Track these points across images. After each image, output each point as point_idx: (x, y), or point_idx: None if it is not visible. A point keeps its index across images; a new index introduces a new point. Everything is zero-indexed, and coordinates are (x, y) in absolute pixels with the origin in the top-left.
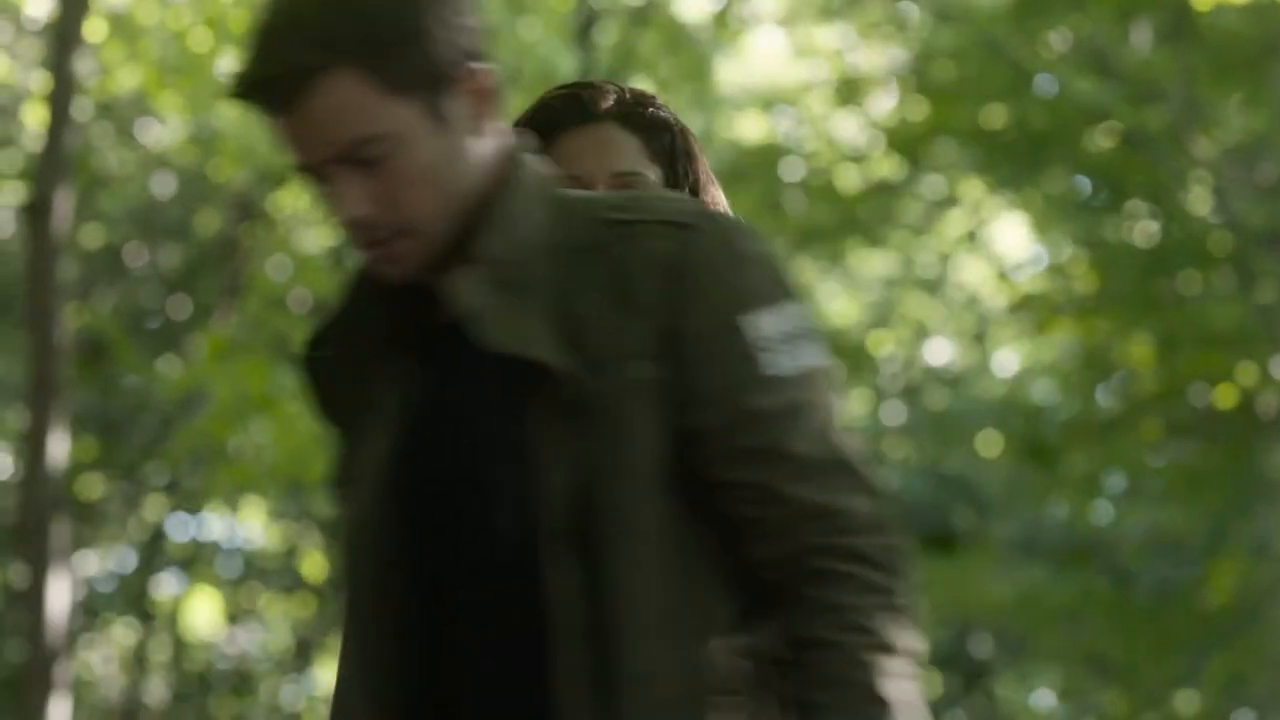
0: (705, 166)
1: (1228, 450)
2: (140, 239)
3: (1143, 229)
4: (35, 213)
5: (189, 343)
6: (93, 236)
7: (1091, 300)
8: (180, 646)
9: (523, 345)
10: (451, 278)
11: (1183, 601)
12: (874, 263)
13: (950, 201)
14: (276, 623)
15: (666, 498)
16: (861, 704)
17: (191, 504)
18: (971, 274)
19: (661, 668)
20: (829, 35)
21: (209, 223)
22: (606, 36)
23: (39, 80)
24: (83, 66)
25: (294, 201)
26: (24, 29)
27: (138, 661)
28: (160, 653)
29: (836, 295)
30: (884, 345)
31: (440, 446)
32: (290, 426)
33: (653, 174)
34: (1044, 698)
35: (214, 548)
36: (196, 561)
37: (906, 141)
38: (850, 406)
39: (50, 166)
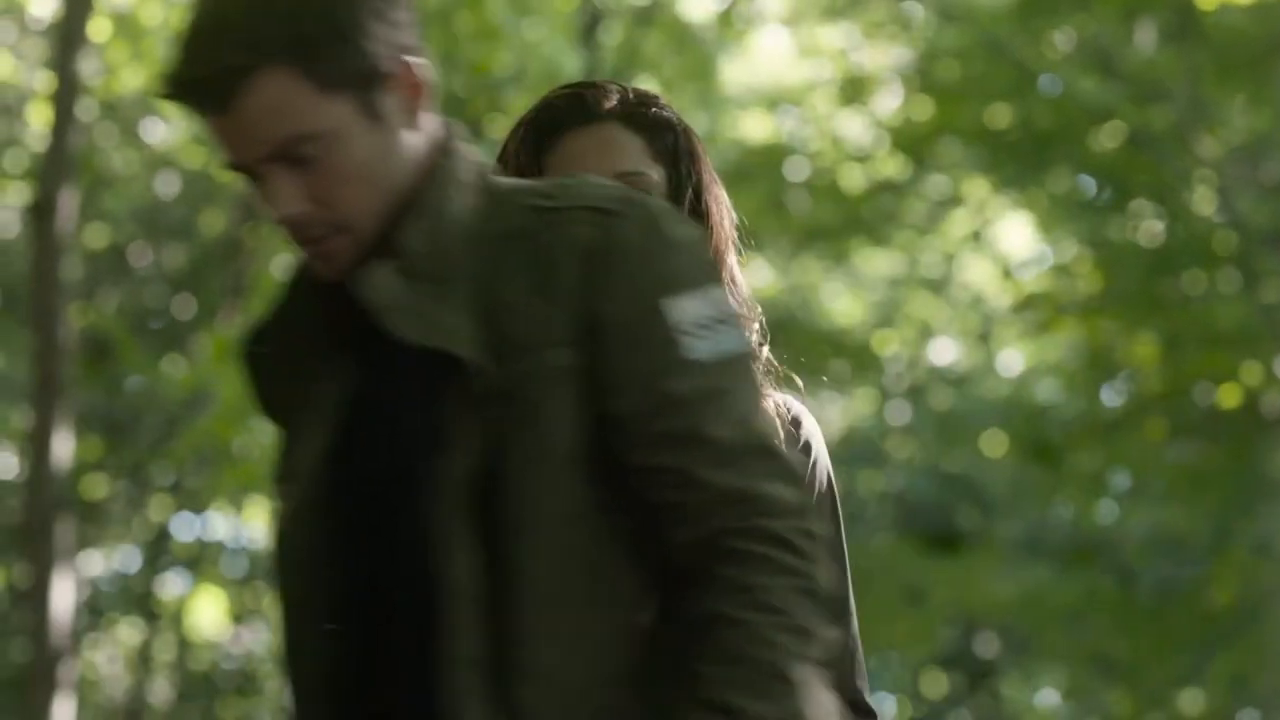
0: (708, 166)
1: (1232, 450)
2: (144, 239)
3: (1147, 229)
4: (40, 212)
5: (193, 342)
6: (97, 236)
7: (1096, 300)
8: (185, 646)
9: (433, 336)
10: (364, 271)
11: (1187, 601)
12: (878, 262)
13: (955, 201)
14: None
15: (583, 484)
16: (764, 682)
17: (196, 504)
18: (976, 274)
19: (563, 656)
20: (833, 35)
21: (213, 222)
22: (611, 36)
23: (43, 80)
24: (87, 66)
25: None
26: (28, 29)
27: (142, 661)
28: (165, 653)
29: (841, 295)
30: (888, 345)
31: (373, 443)
32: None
33: (656, 174)
34: (1048, 697)
35: (219, 547)
36: (201, 561)
37: (911, 141)
38: (856, 406)
39: (54, 166)
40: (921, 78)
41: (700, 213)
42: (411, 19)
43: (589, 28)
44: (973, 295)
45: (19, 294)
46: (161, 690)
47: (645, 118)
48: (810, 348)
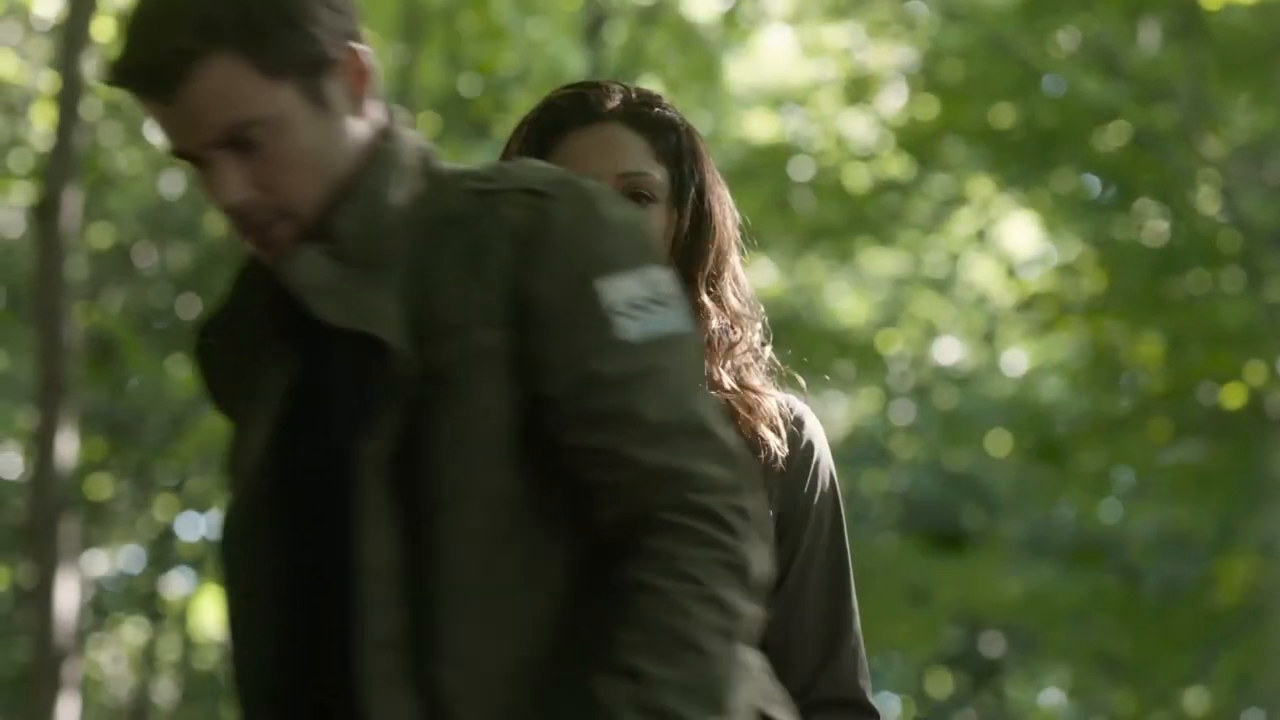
0: (711, 166)
1: (1236, 449)
2: (149, 238)
3: (1151, 228)
4: (44, 212)
5: None
6: (101, 236)
7: (1100, 299)
8: (189, 646)
9: (355, 318)
10: (291, 255)
11: (1191, 600)
12: (883, 262)
13: (959, 200)
14: None
15: (510, 465)
16: (672, 648)
17: (201, 503)
18: (980, 273)
19: (484, 638)
20: (838, 34)
21: (218, 222)
22: (615, 36)
23: (48, 80)
24: (91, 66)
25: None
26: (33, 29)
27: (147, 661)
28: (170, 652)
29: (845, 294)
30: (893, 344)
31: (312, 430)
32: None
33: (658, 173)
34: (1053, 697)
35: None
36: (206, 561)
37: (915, 140)
38: (861, 405)
39: (59, 166)
40: (926, 77)
41: (703, 212)
42: (355, 6)
43: (593, 27)
44: (977, 295)
45: (23, 293)
46: (166, 690)
47: (648, 118)
48: (815, 347)
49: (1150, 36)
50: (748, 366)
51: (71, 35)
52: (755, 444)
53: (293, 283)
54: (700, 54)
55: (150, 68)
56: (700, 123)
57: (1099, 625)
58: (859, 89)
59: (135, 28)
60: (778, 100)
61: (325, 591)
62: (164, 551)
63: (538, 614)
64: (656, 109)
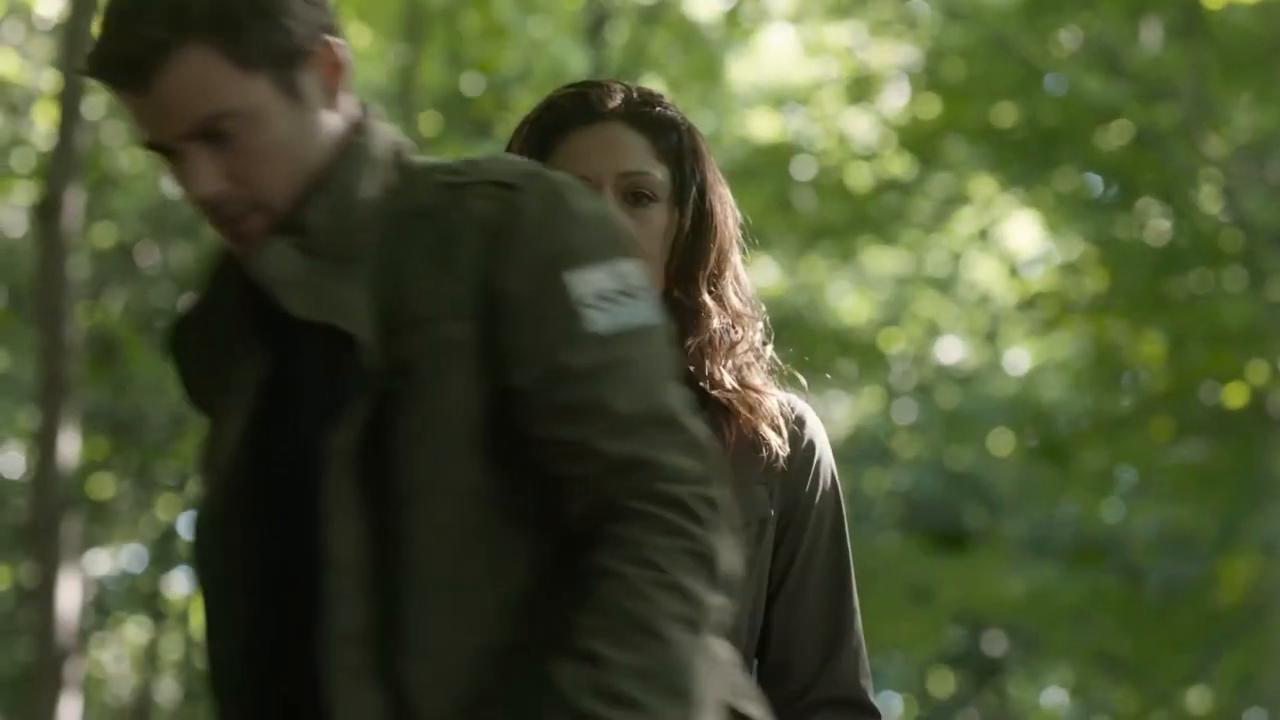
0: (713, 165)
1: (1238, 448)
2: (151, 238)
3: (1153, 227)
4: (46, 212)
5: None
6: (104, 235)
7: (1102, 298)
8: (192, 645)
9: (323, 311)
10: (261, 247)
11: (1193, 599)
12: (885, 261)
13: (961, 199)
14: None
15: (478, 457)
16: (630, 633)
17: None
18: (983, 272)
19: (450, 631)
20: (840, 33)
21: None
22: (617, 35)
23: (49, 80)
24: None
25: None
26: (35, 29)
27: (149, 660)
28: (172, 652)
29: (847, 293)
30: (895, 343)
31: (283, 424)
32: None
33: (660, 173)
34: (1055, 696)
35: None
36: None
37: (917, 139)
38: (863, 404)
39: (61, 165)
40: (928, 76)
41: (704, 212)
42: None
43: (595, 26)
44: (979, 294)
45: (25, 293)
46: (168, 689)
47: (649, 117)
48: (817, 346)
49: (1152, 35)
50: (749, 366)
51: (73, 35)
52: (757, 443)
53: (262, 275)
54: (702, 53)
55: (125, 59)
56: (702, 122)
57: (1101, 624)
58: (861, 88)
59: (110, 19)
60: (780, 99)
61: (294, 585)
62: (166, 551)
63: (506, 607)
64: (658, 108)
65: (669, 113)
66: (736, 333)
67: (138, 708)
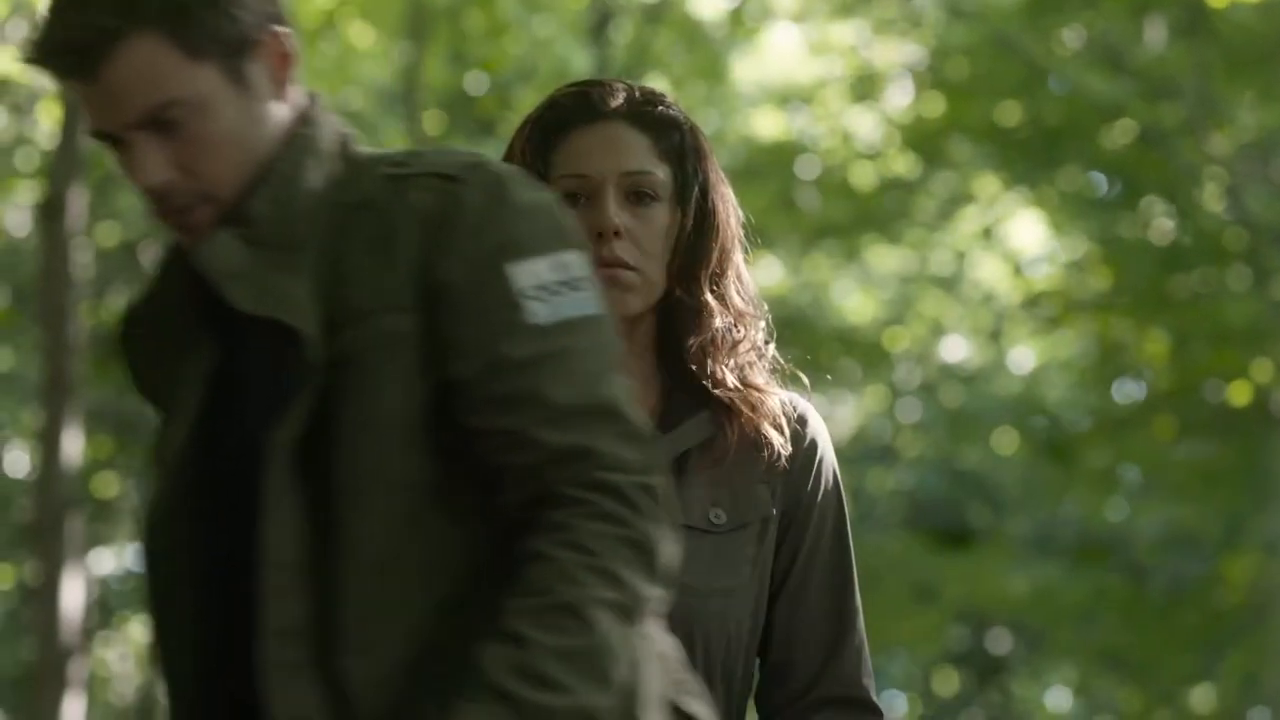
0: (715, 165)
1: (1242, 447)
2: (155, 237)
3: (1157, 226)
4: (50, 211)
5: None
6: (108, 234)
7: (1106, 297)
8: None
9: (267, 304)
10: (204, 240)
11: (1197, 598)
12: (889, 259)
13: (965, 198)
14: None
15: (418, 451)
16: (556, 615)
17: None
18: (986, 271)
19: (389, 626)
20: (844, 32)
21: None
22: (621, 34)
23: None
24: None
25: None
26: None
27: (153, 659)
28: None
29: (851, 292)
30: (899, 342)
31: (230, 418)
32: None
33: (662, 172)
34: (1059, 694)
35: None
36: None
37: (921, 138)
38: (867, 403)
39: (65, 165)
40: (932, 75)
41: (706, 211)
42: None
43: (599, 25)
44: (983, 292)
45: (29, 292)
46: None
47: (651, 116)
48: (821, 345)
49: (1156, 34)
50: (751, 365)
51: None
52: (759, 442)
53: (206, 268)
54: (706, 52)
55: (72, 47)
56: (706, 121)
57: (1105, 623)
58: (865, 87)
59: (58, 6)
60: (784, 98)
61: (240, 580)
62: None
63: (447, 600)
64: (660, 107)
65: (671, 112)
66: (739, 332)
67: (141, 707)
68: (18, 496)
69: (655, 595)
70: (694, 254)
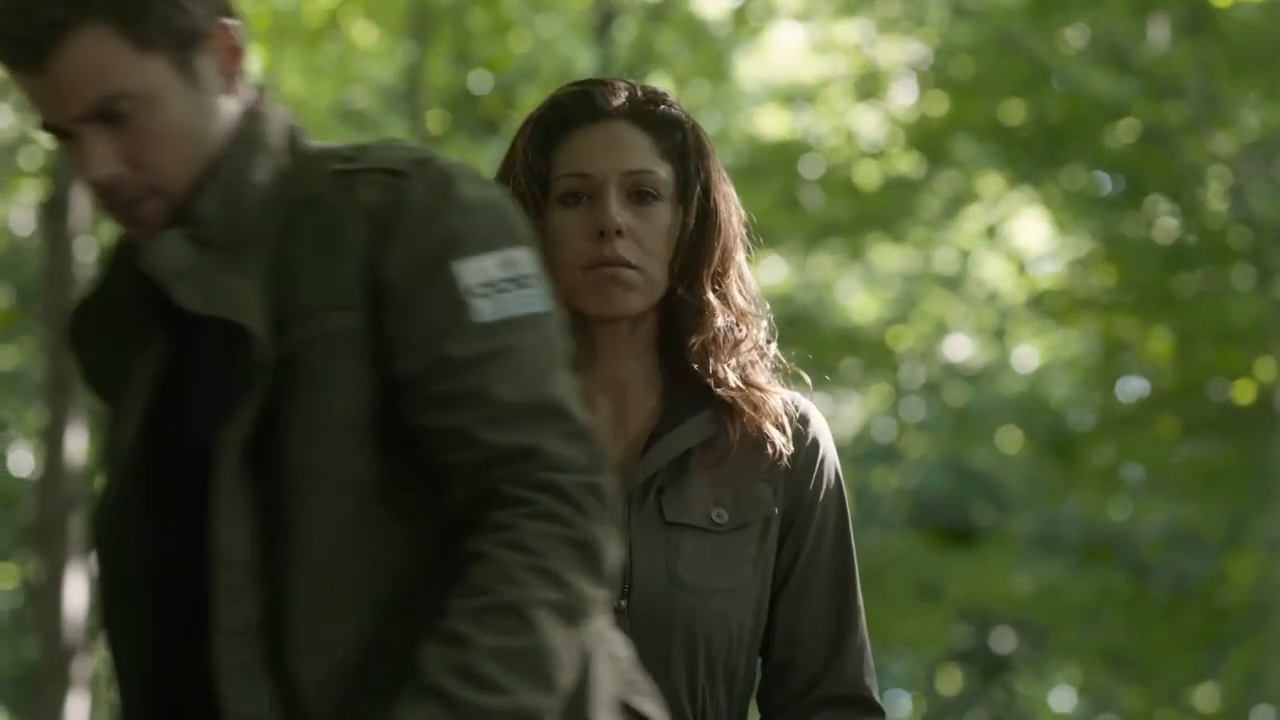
0: (717, 164)
1: (1246, 446)
2: None
3: (1161, 224)
4: (53, 210)
5: None
6: (111, 234)
7: (1110, 295)
8: None
9: (216, 304)
10: (153, 239)
11: (1201, 597)
12: (893, 258)
13: (969, 197)
14: None
15: (364, 450)
16: (496, 615)
17: None
18: (990, 269)
19: (339, 626)
20: (848, 30)
21: None
22: (625, 33)
23: None
24: None
25: None
26: None
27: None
28: None
29: (855, 291)
30: (903, 341)
31: (181, 418)
32: None
33: (664, 171)
34: (1063, 693)
35: None
36: None
37: (925, 137)
38: (871, 402)
39: (68, 164)
40: (936, 73)
41: (709, 210)
42: None
43: (602, 24)
44: (987, 291)
45: (33, 292)
46: None
47: (654, 115)
48: (825, 344)
49: (1160, 33)
50: (753, 364)
51: None
52: (760, 441)
53: (154, 268)
54: (710, 51)
55: (20, 38)
56: (709, 120)
57: (1109, 622)
58: (869, 85)
59: None
60: (788, 97)
61: (190, 579)
62: None
63: (397, 599)
64: (662, 106)
65: (673, 111)
66: (740, 331)
67: None
68: (21, 496)
69: (599, 595)
70: (696, 253)
